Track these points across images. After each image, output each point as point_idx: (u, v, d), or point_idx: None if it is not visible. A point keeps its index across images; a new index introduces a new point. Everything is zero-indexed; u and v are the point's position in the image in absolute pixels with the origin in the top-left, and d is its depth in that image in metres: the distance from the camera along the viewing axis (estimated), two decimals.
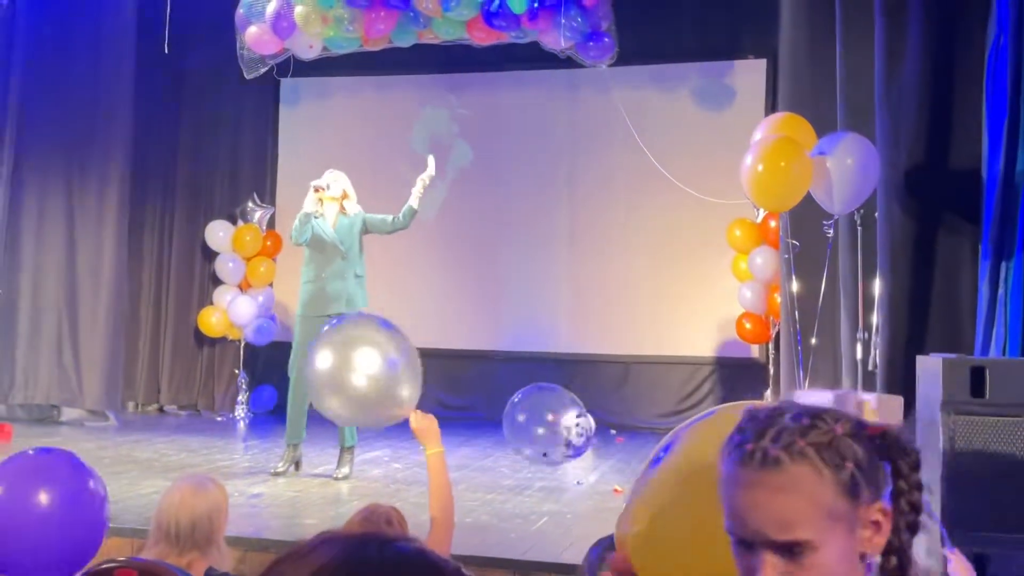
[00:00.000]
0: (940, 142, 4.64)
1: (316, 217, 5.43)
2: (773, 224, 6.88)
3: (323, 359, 2.62)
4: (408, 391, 2.62)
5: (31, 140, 7.37)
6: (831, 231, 4.87)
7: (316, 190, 5.43)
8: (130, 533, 3.82)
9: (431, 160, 5.62)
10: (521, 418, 4.80)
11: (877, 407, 4.21)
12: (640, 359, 7.94)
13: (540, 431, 4.75)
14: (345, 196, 5.52)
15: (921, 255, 4.60)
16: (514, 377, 6.76)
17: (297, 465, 5.43)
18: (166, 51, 6.92)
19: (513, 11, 6.23)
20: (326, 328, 2.80)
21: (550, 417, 4.76)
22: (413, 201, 5.51)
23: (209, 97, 8.43)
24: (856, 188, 4.54)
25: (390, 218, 5.57)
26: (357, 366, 2.58)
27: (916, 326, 4.56)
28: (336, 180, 5.52)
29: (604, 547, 2.51)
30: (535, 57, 7.07)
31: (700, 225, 7.74)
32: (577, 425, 4.75)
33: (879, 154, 4.59)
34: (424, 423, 2.55)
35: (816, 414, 1.03)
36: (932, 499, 3.66)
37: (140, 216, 8.30)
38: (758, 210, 7.11)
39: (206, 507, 2.48)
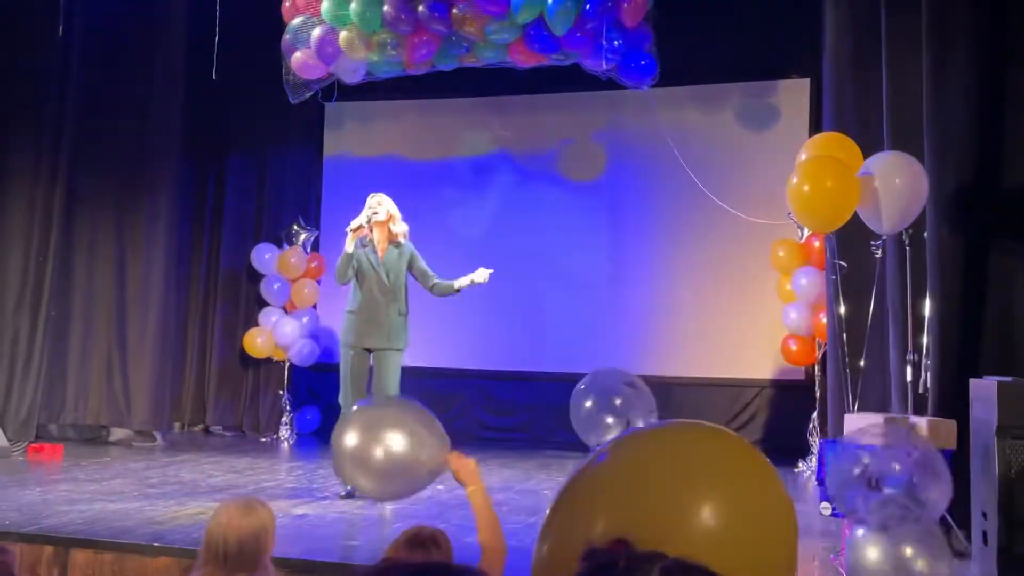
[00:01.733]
0: (990, 159, 4.55)
1: (364, 246, 5.34)
2: (817, 244, 6.80)
3: (350, 438, 2.56)
4: (431, 451, 2.55)
5: (83, 165, 7.55)
6: (879, 251, 4.79)
7: (356, 230, 5.32)
8: (178, 553, 3.86)
9: (486, 272, 5.41)
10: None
11: (929, 431, 4.12)
12: (683, 380, 7.86)
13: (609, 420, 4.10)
14: (391, 219, 5.41)
15: (972, 275, 4.50)
16: (556, 398, 6.71)
17: None
18: (214, 77, 7.07)
19: (554, 34, 6.26)
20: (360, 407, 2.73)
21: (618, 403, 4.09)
22: (458, 284, 5.39)
23: (255, 122, 8.58)
24: (904, 207, 4.46)
25: (431, 279, 5.45)
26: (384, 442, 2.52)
27: (968, 348, 4.46)
28: (381, 203, 5.42)
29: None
30: (576, 79, 7.09)
31: (743, 245, 7.67)
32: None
33: (927, 173, 4.52)
34: (463, 464, 2.52)
35: (688, 568, 0.81)
36: (987, 526, 3.56)
37: (188, 239, 8.46)
38: (801, 230, 7.03)
39: (253, 528, 2.49)
